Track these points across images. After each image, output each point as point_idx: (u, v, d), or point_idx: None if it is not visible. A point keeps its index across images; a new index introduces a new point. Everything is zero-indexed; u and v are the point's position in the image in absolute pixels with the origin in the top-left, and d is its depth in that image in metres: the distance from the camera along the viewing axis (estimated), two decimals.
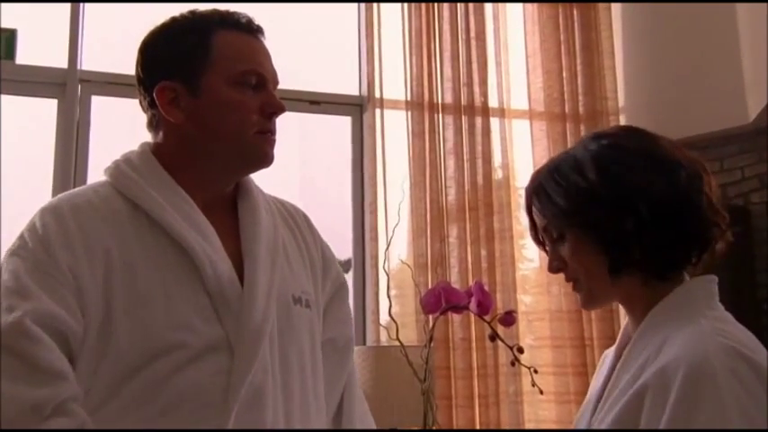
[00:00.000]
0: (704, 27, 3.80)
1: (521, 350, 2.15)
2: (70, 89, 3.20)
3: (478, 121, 3.62)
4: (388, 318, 2.56)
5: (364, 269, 3.47)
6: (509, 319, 2.24)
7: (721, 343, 1.09)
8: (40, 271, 1.17)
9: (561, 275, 1.31)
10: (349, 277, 3.44)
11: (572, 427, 1.34)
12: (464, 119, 3.60)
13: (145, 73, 1.34)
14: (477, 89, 3.65)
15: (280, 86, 1.37)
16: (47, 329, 1.12)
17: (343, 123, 3.66)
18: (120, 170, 1.31)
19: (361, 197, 3.55)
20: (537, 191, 1.30)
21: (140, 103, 1.36)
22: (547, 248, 1.32)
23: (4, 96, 3.09)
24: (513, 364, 2.16)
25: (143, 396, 1.15)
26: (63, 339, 1.14)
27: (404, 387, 2.49)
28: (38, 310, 1.13)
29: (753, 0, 3.48)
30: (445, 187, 3.51)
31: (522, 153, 3.73)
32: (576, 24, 3.87)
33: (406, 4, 3.63)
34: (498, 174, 3.64)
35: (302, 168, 3.60)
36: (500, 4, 3.81)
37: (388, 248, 2.82)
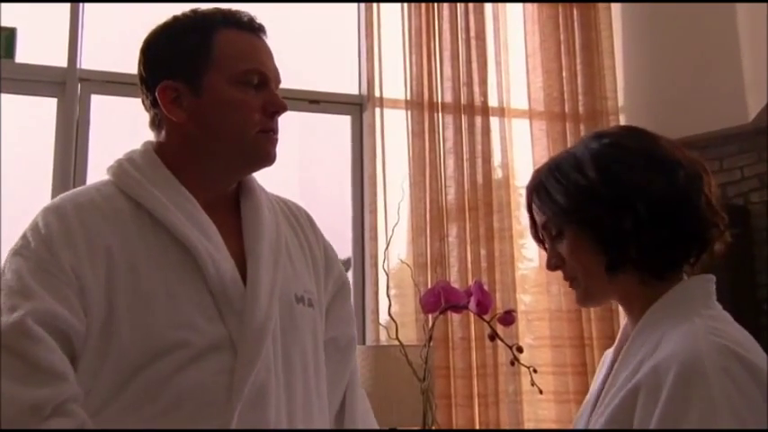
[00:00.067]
0: (704, 27, 3.80)
1: (520, 350, 2.15)
2: (70, 88, 3.20)
3: (478, 120, 3.62)
4: (387, 317, 2.56)
5: (364, 268, 3.47)
6: (508, 318, 2.24)
7: (714, 342, 1.09)
8: (42, 270, 1.17)
9: (561, 275, 1.32)
10: (348, 276, 3.43)
11: (571, 426, 1.35)
12: (464, 118, 3.60)
13: (147, 72, 1.34)
14: (476, 89, 3.66)
15: (279, 86, 1.37)
16: (49, 329, 1.12)
17: (343, 123, 3.67)
18: (122, 169, 1.31)
19: (360, 196, 3.55)
20: (537, 188, 1.31)
21: (143, 102, 1.36)
22: (546, 246, 1.33)
23: (3, 95, 3.09)
24: (512, 363, 2.16)
25: (146, 395, 1.15)
26: (65, 339, 1.14)
27: (403, 386, 2.50)
28: (40, 310, 1.12)
29: (753, 0, 3.49)
30: (445, 187, 3.52)
31: (521, 153, 3.73)
32: (575, 24, 3.88)
33: (405, 4, 3.63)
34: (498, 173, 3.64)
35: (302, 168, 3.60)
36: (500, 4, 3.81)
37: (387, 248, 2.82)
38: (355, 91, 3.68)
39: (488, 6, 3.78)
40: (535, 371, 2.10)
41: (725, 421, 1.02)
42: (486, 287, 2.64)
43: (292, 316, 1.31)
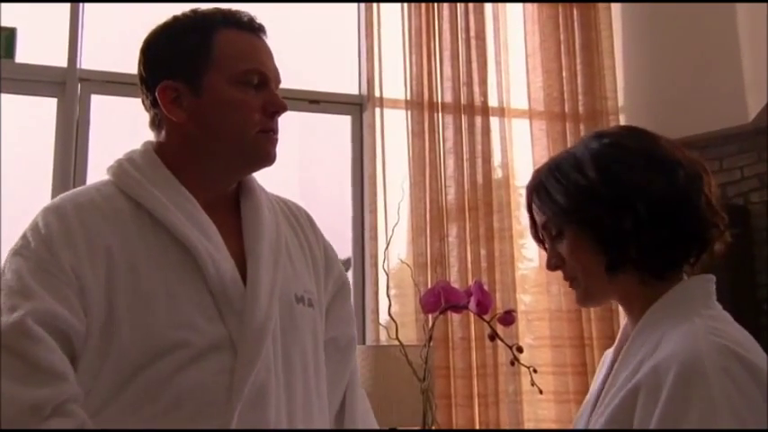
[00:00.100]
0: (704, 27, 3.80)
1: (520, 349, 2.15)
2: (70, 88, 3.20)
3: (478, 120, 3.62)
4: (387, 317, 2.56)
5: (364, 268, 3.47)
6: (508, 318, 2.24)
7: (714, 342, 1.09)
8: (42, 270, 1.17)
9: (561, 275, 1.32)
10: (348, 276, 3.43)
11: (571, 426, 1.35)
12: (464, 118, 3.60)
13: (147, 72, 1.33)
14: (476, 89, 3.66)
15: (280, 86, 1.36)
16: (49, 329, 1.12)
17: (343, 123, 3.67)
18: (122, 169, 1.31)
19: (360, 196, 3.55)
20: (537, 188, 1.31)
21: (143, 102, 1.36)
22: (546, 246, 1.33)
23: (3, 95, 3.09)
24: (512, 363, 2.16)
25: (146, 395, 1.15)
26: (65, 339, 1.14)
27: (403, 386, 2.50)
28: (40, 310, 1.12)
29: (753, 0, 3.49)
30: (445, 186, 3.52)
31: (521, 152, 3.73)
32: (575, 24, 3.88)
33: (405, 4, 3.63)
34: (498, 173, 3.65)
35: (302, 168, 3.60)
36: (500, 4, 3.81)
37: (387, 248, 2.82)
38: (355, 91, 3.68)
39: (488, 6, 3.78)
40: (535, 371, 2.10)
41: (725, 421, 1.02)
42: (486, 287, 2.64)
43: (292, 316, 1.31)
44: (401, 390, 2.54)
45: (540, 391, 2.07)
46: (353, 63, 3.71)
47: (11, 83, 3.10)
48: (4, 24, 3.14)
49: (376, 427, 1.50)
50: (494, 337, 2.22)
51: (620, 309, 1.33)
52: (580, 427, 1.27)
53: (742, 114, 3.59)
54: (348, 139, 3.65)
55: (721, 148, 3.68)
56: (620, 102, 3.91)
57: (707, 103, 3.70)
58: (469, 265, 3.46)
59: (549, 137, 3.73)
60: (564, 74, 3.81)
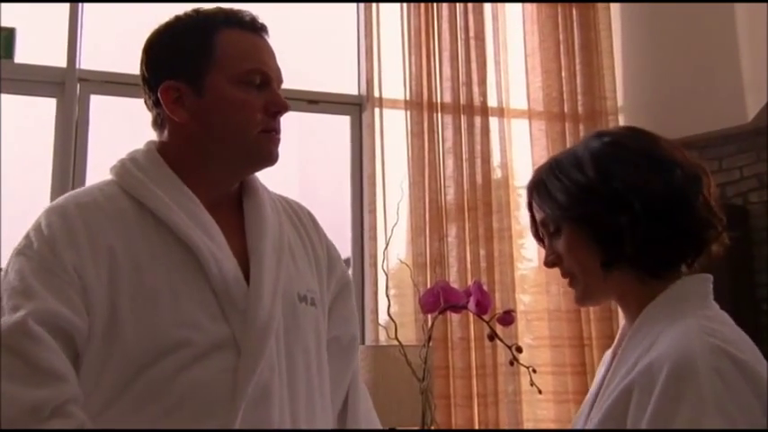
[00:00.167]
0: (703, 27, 3.80)
1: (519, 350, 2.15)
2: (69, 88, 3.20)
3: (477, 120, 3.62)
4: (386, 317, 2.57)
5: (363, 268, 3.47)
6: (508, 318, 2.24)
7: (707, 341, 1.09)
8: (45, 270, 1.17)
9: (560, 276, 1.32)
10: None
11: (570, 426, 1.35)
12: (463, 118, 3.60)
13: (149, 72, 1.33)
14: (476, 89, 3.66)
15: (282, 85, 1.36)
16: (50, 329, 1.12)
17: (342, 123, 3.67)
18: (125, 169, 1.31)
19: (359, 196, 3.55)
20: (538, 185, 1.32)
21: (145, 102, 1.36)
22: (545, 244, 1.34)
23: (3, 95, 3.09)
24: (511, 363, 2.16)
25: (149, 394, 1.16)
26: (68, 339, 1.14)
27: (402, 386, 2.50)
28: (41, 310, 1.12)
29: (752, 0, 3.49)
30: (444, 187, 3.52)
31: (520, 153, 3.74)
32: (574, 24, 3.88)
33: (405, 4, 3.63)
34: (497, 173, 3.65)
35: (301, 168, 3.60)
36: (499, 4, 3.81)
37: (386, 248, 2.83)
38: (354, 91, 3.69)
39: (487, 6, 3.78)
40: (534, 371, 2.10)
41: (714, 421, 1.02)
42: (485, 287, 2.64)
43: (295, 315, 1.31)
44: (400, 390, 2.54)
45: (540, 391, 2.07)
46: (353, 63, 3.71)
47: (10, 83, 3.10)
48: (3, 24, 3.14)
49: (378, 425, 1.51)
50: (493, 337, 2.22)
51: (620, 309, 1.33)
52: (579, 425, 1.27)
53: (741, 114, 3.59)
54: (347, 139, 3.65)
55: (720, 148, 3.69)
56: (620, 102, 3.92)
57: (706, 103, 3.70)
58: (469, 266, 3.46)
59: (548, 137, 3.73)
60: (563, 74, 3.81)
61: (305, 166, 3.62)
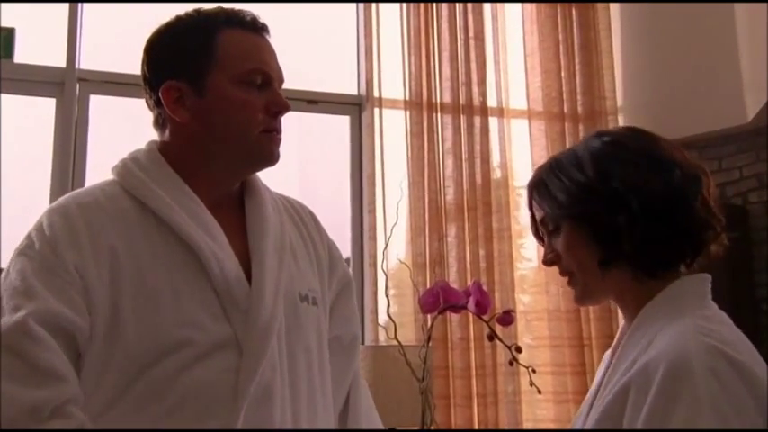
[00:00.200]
0: (703, 27, 3.80)
1: (519, 349, 2.15)
2: (68, 88, 3.20)
3: (477, 120, 3.62)
4: (386, 317, 2.57)
5: (363, 268, 3.47)
6: (507, 318, 2.24)
7: (703, 342, 1.09)
8: (46, 271, 1.17)
9: (560, 276, 1.32)
10: None
11: (569, 426, 1.35)
12: (463, 118, 3.60)
13: (150, 72, 1.33)
14: (475, 89, 3.66)
15: (282, 85, 1.36)
16: (51, 329, 1.12)
17: (342, 123, 3.67)
18: (127, 169, 1.31)
19: (359, 196, 3.55)
20: (538, 184, 1.32)
21: (146, 101, 1.36)
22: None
23: (2, 95, 3.09)
24: (511, 363, 2.16)
25: (152, 394, 1.16)
26: (69, 338, 1.14)
27: (402, 386, 2.50)
28: (42, 310, 1.12)
29: (751, 0, 3.49)
30: (444, 187, 3.52)
31: (520, 153, 3.74)
32: (574, 24, 3.88)
33: (404, 4, 3.63)
34: (497, 173, 3.65)
35: (301, 168, 3.60)
36: (498, 4, 3.81)
37: (386, 248, 2.83)
38: (354, 91, 3.69)
39: (487, 6, 3.78)
40: (534, 371, 2.10)
41: (709, 421, 1.02)
42: (484, 287, 2.64)
43: (297, 315, 1.31)
44: (400, 390, 2.54)
45: (539, 391, 2.07)
46: (352, 63, 3.71)
47: (9, 83, 3.10)
48: (3, 24, 3.14)
49: (380, 424, 1.51)
50: (492, 337, 2.22)
51: (619, 309, 1.33)
52: (579, 425, 1.27)
53: (741, 114, 3.60)
54: (347, 139, 3.65)
55: (720, 148, 3.69)
56: (619, 102, 3.92)
57: (706, 103, 3.70)
58: (468, 266, 3.46)
59: (547, 137, 3.74)
60: (562, 74, 3.81)
61: (305, 166, 3.62)
